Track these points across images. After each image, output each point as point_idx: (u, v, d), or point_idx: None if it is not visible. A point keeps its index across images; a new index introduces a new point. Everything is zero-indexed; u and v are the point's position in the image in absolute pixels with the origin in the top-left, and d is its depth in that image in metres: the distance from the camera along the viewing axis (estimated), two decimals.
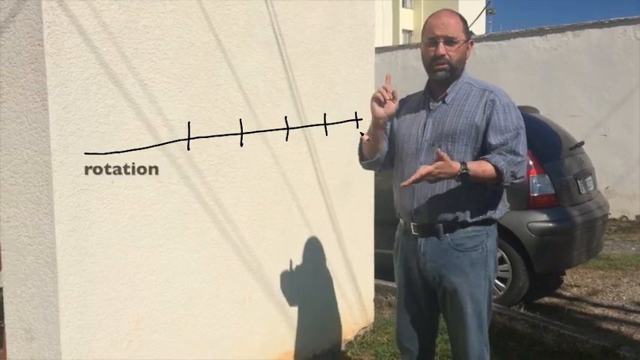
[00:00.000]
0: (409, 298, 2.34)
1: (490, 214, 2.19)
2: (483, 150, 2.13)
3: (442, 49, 2.12)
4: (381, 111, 2.15)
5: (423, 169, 2.00)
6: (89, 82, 2.08)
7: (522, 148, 2.12)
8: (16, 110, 2.03)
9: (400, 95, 2.21)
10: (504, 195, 2.25)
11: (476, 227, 2.18)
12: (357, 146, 2.39)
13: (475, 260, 2.17)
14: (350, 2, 3.36)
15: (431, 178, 2.02)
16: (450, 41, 2.12)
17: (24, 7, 1.96)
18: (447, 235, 2.17)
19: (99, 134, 2.12)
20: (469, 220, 2.16)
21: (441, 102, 2.19)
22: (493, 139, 2.10)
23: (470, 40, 2.20)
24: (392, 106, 2.14)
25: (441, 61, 2.14)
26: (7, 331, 2.17)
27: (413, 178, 2.02)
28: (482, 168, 2.06)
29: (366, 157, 2.33)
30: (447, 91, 2.18)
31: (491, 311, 2.29)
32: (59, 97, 1.99)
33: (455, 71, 2.17)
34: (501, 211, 2.23)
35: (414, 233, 2.24)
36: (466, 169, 2.02)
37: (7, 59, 2.03)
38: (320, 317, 3.29)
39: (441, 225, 2.17)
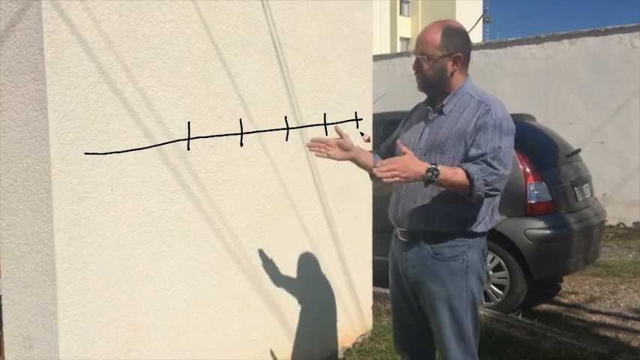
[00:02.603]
0: (401, 303, 2.37)
1: (470, 227, 2.13)
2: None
3: (413, 64, 2.19)
4: (342, 154, 2.25)
5: (389, 163, 1.97)
6: (89, 90, 2.09)
7: (500, 164, 2.03)
8: (16, 119, 2.04)
9: (411, 102, 2.19)
10: (491, 207, 2.17)
11: (455, 239, 2.14)
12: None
13: (453, 270, 2.14)
14: (348, 11, 3.38)
15: (395, 173, 1.95)
16: (424, 58, 2.14)
17: (24, 17, 1.97)
18: (427, 243, 2.18)
19: (98, 142, 2.13)
20: (445, 231, 2.14)
21: (438, 113, 2.20)
22: (473, 151, 2.06)
23: (453, 54, 2.13)
24: (340, 142, 2.24)
25: (417, 76, 2.20)
26: (6, 339, 2.17)
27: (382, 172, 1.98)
28: (453, 171, 2.00)
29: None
30: (444, 102, 2.18)
31: (479, 324, 2.23)
32: (59, 105, 2.00)
33: (432, 85, 2.18)
34: (487, 224, 2.16)
35: (400, 239, 2.28)
36: (435, 168, 1.96)
37: (7, 68, 2.04)
38: (318, 324, 3.29)
39: (420, 233, 2.18)
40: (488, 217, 2.17)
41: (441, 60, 2.13)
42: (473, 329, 2.19)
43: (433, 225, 2.14)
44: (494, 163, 2.02)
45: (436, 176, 1.97)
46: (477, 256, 2.17)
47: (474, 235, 2.16)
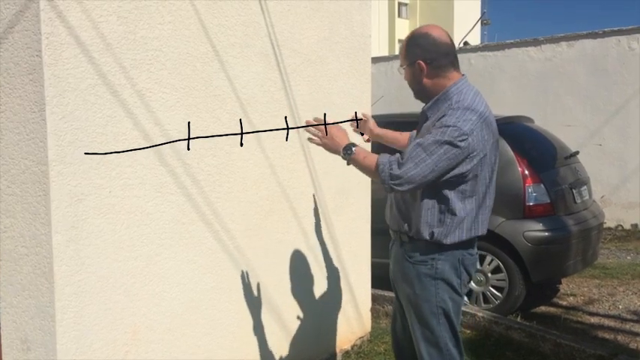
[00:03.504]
0: (397, 301, 2.40)
1: (439, 238, 2.08)
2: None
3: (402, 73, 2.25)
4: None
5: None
6: (87, 92, 2.09)
7: (411, 165, 1.97)
8: (14, 121, 2.04)
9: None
10: (466, 222, 2.08)
11: (425, 246, 2.12)
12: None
13: (422, 274, 2.12)
14: (346, 13, 3.38)
15: (319, 138, 2.24)
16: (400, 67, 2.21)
17: (22, 19, 1.97)
18: (402, 244, 2.21)
19: (97, 144, 2.12)
20: (414, 236, 2.13)
21: (426, 117, 2.18)
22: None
23: (414, 62, 2.11)
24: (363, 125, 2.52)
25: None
26: (4, 341, 2.16)
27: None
28: (364, 156, 2.13)
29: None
30: (425, 107, 2.18)
31: (460, 337, 2.18)
32: (57, 107, 1.99)
33: (416, 93, 2.21)
34: (457, 235, 2.08)
35: (392, 238, 2.34)
36: (350, 148, 2.13)
37: (5, 70, 2.03)
38: (316, 326, 3.28)
39: (399, 233, 2.23)
40: (459, 231, 2.08)
41: (407, 69, 2.17)
42: (450, 339, 2.14)
43: (407, 228, 2.17)
44: (407, 160, 1.99)
45: (349, 155, 2.14)
46: (448, 266, 2.11)
47: (444, 246, 2.09)
